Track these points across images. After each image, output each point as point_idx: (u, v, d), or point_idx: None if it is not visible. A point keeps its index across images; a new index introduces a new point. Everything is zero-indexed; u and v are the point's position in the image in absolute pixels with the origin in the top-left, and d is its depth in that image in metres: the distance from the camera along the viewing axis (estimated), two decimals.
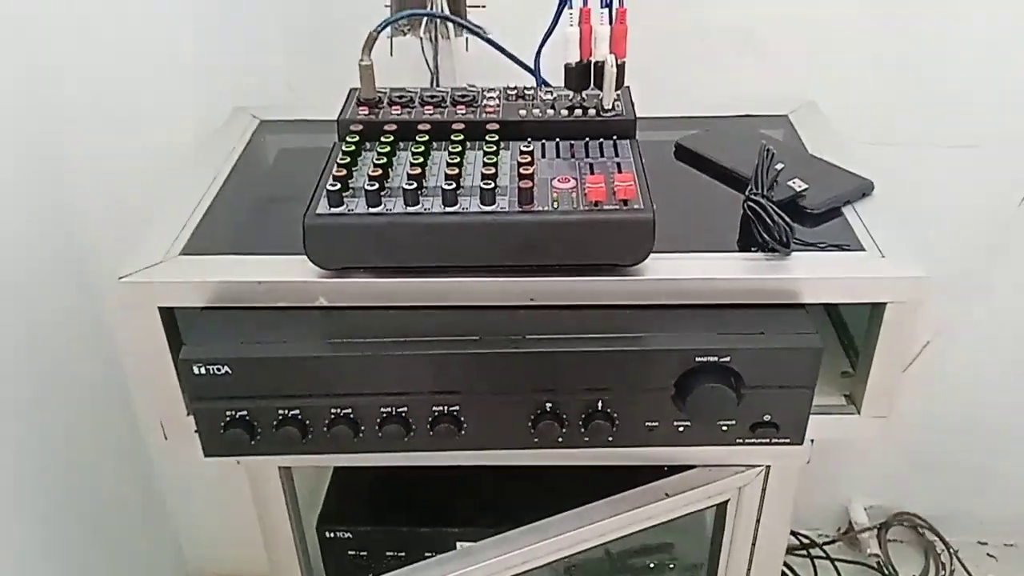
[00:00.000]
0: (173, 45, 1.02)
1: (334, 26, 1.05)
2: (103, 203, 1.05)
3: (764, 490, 0.78)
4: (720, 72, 1.07)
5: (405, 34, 1.09)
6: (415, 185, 0.65)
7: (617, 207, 0.65)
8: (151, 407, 0.73)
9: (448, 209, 0.65)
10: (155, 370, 0.69)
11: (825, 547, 1.54)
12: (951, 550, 1.53)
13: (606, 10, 0.71)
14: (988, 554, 1.56)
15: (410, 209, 0.65)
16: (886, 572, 1.49)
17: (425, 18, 1.01)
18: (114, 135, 1.03)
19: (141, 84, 1.02)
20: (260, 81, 1.10)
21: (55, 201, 1.04)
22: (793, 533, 1.53)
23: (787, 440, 0.67)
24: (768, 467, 0.77)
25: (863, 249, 0.69)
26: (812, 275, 0.66)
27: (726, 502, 0.79)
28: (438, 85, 1.12)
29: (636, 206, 0.65)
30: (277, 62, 1.10)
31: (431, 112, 0.76)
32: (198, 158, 0.85)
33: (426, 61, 1.11)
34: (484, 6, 1.02)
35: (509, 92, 0.79)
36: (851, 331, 0.78)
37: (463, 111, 0.76)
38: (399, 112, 0.76)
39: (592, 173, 0.68)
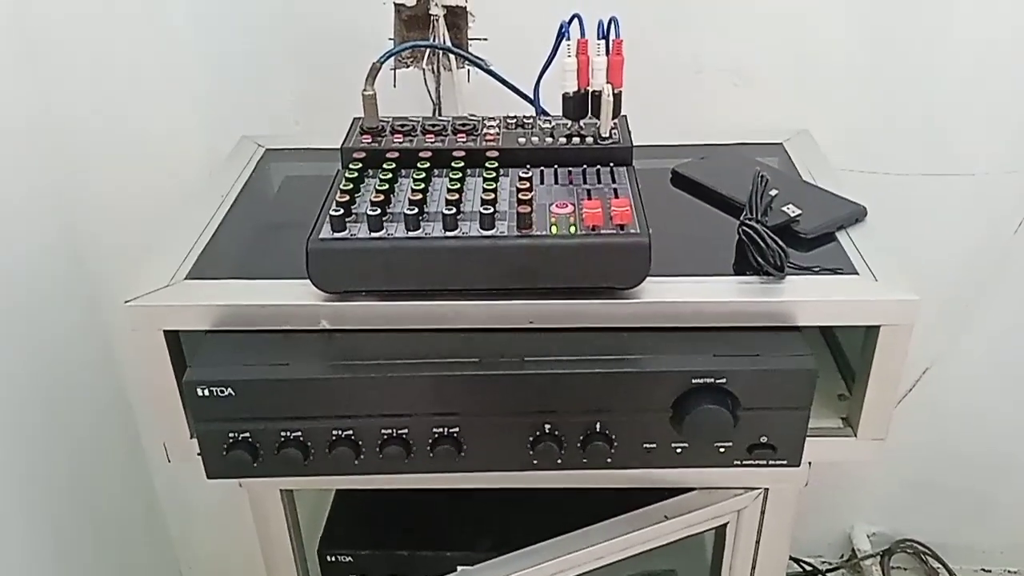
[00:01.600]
0: (183, 75, 1.04)
1: (340, 58, 1.08)
2: (113, 228, 1.07)
3: (763, 513, 0.78)
4: (716, 102, 1.09)
5: (408, 66, 1.11)
6: (416, 211, 0.67)
7: (614, 231, 0.66)
8: (156, 430, 0.74)
9: (448, 233, 0.66)
10: (160, 392, 0.70)
11: (828, 574, 1.54)
12: None
13: (603, 41, 0.73)
14: None
15: (411, 234, 0.66)
16: None
17: (428, 50, 1.04)
18: (125, 162, 1.05)
19: (151, 113, 1.04)
20: (268, 111, 1.12)
21: (66, 226, 1.06)
22: (795, 560, 1.53)
23: (784, 462, 0.68)
24: (767, 490, 0.77)
25: (856, 273, 0.70)
26: (806, 298, 0.67)
27: (725, 525, 0.79)
28: (441, 114, 1.14)
29: (632, 230, 0.66)
30: (284, 92, 1.13)
31: (432, 140, 0.78)
32: (205, 185, 0.87)
33: (429, 93, 1.13)
34: (486, 39, 1.04)
35: (509, 121, 0.81)
36: (847, 355, 0.79)
37: (464, 139, 0.78)
38: (401, 140, 0.78)
39: (589, 198, 0.70)
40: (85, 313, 1.09)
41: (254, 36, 1.07)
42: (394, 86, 1.06)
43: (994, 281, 1.24)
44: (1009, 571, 1.56)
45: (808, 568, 1.54)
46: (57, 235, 1.05)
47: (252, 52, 1.08)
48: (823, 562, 1.57)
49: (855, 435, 0.74)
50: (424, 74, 1.13)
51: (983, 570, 1.56)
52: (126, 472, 1.23)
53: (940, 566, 1.53)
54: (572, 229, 0.66)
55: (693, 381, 0.65)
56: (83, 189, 1.05)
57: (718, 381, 0.64)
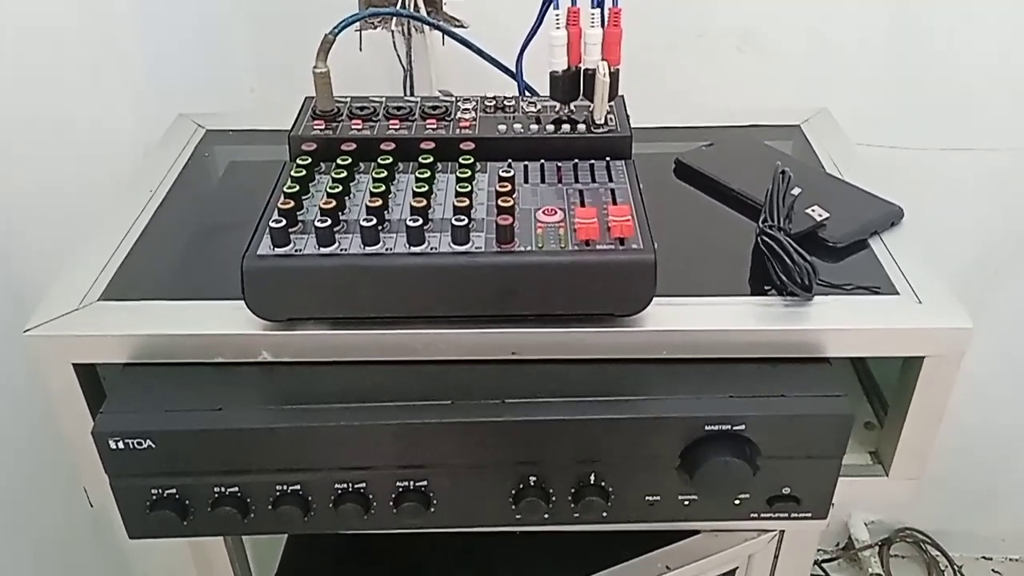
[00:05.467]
0: (115, 41, 0.91)
1: (301, 18, 0.95)
2: (40, 228, 0.93)
3: (777, 557, 0.69)
4: (722, 73, 0.98)
5: (376, 27, 0.99)
6: (374, 220, 0.55)
7: (612, 247, 0.55)
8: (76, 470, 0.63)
9: (414, 249, 0.55)
10: (73, 431, 0.59)
11: (824, 564, 1.48)
12: (955, 566, 1.50)
13: (598, 10, 0.61)
14: (993, 570, 1.54)
15: (369, 249, 0.55)
16: None
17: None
18: (51, 152, 0.92)
19: (78, 86, 0.90)
20: (216, 83, 0.99)
21: None
22: None
23: (809, 515, 0.58)
24: (782, 532, 0.68)
25: (896, 292, 0.59)
26: (838, 325, 0.57)
27: (734, 570, 0.70)
28: (412, 83, 1.03)
29: (634, 246, 0.55)
30: (237, 54, 1.00)
31: (397, 127, 0.66)
32: (133, 177, 0.75)
33: (399, 58, 1.02)
34: None
35: (487, 103, 0.69)
36: (875, 376, 0.69)
37: (434, 126, 0.66)
38: (360, 127, 0.66)
39: (582, 205, 0.59)
40: (9, 321, 0.96)
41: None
42: (360, 50, 0.95)
43: (1010, 266, 1.16)
44: (1010, 559, 1.54)
45: None
46: None
47: (200, 16, 0.95)
48: (819, 550, 1.51)
49: (886, 474, 0.64)
50: (393, 36, 1.01)
51: (984, 558, 1.53)
52: (69, 485, 1.11)
53: (940, 554, 1.49)
54: (562, 243, 0.55)
55: (706, 428, 0.54)
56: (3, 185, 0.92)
57: (735, 428, 0.54)
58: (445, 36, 0.85)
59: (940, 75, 1.01)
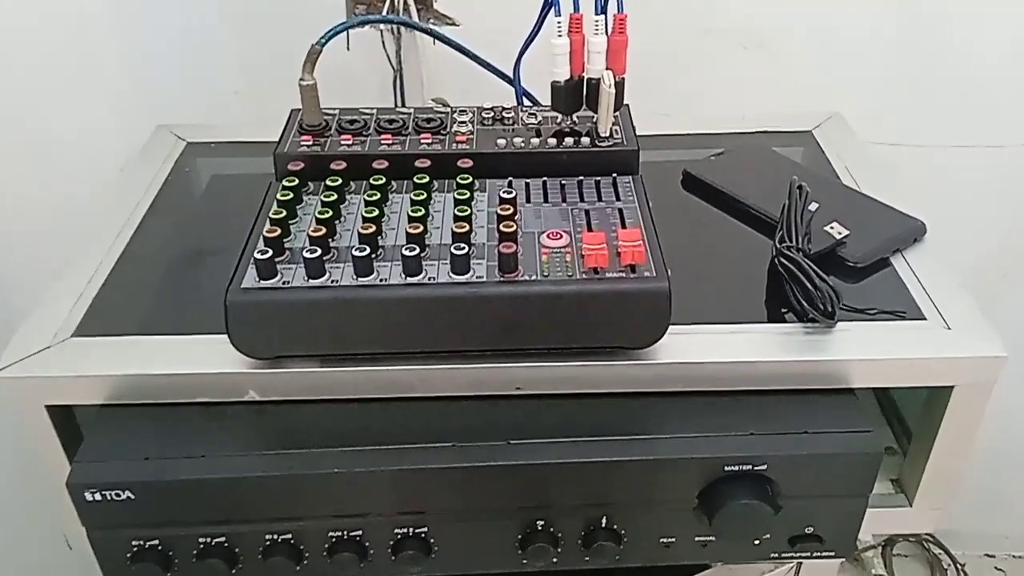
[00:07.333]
0: (95, 40, 0.86)
1: (286, 17, 0.91)
2: (20, 252, 0.89)
3: None
4: (727, 73, 0.94)
5: (363, 25, 0.95)
6: (367, 250, 0.51)
7: (623, 274, 0.51)
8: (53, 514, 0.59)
9: (410, 280, 0.51)
10: (48, 477, 0.55)
11: None
12: (958, 564, 1.47)
13: (602, 17, 0.58)
14: (996, 567, 1.51)
15: (362, 280, 0.51)
16: None
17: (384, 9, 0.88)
18: (27, 168, 0.87)
19: (53, 96, 0.86)
20: (199, 85, 0.95)
21: None
22: None
23: (832, 553, 0.55)
24: (800, 563, 0.65)
25: (923, 317, 0.56)
26: (864, 355, 0.53)
27: None
28: (402, 83, 0.98)
29: (647, 273, 0.51)
30: (218, 62, 0.95)
31: (389, 142, 0.62)
32: (109, 197, 0.70)
33: (388, 57, 0.97)
34: None
35: (484, 114, 0.65)
36: (897, 401, 0.66)
37: (429, 140, 0.62)
38: (350, 142, 0.62)
39: (589, 228, 0.55)
40: None
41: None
42: (347, 49, 0.90)
43: (1019, 265, 1.12)
44: (1014, 556, 1.52)
45: None
46: None
47: (182, 17, 0.91)
48: None
49: (910, 504, 0.61)
50: (382, 35, 0.97)
51: (987, 555, 1.51)
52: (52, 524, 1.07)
53: (943, 552, 1.47)
54: (568, 271, 0.51)
55: (726, 468, 0.51)
56: None
57: (756, 468, 0.51)
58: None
59: (950, 71, 0.98)
